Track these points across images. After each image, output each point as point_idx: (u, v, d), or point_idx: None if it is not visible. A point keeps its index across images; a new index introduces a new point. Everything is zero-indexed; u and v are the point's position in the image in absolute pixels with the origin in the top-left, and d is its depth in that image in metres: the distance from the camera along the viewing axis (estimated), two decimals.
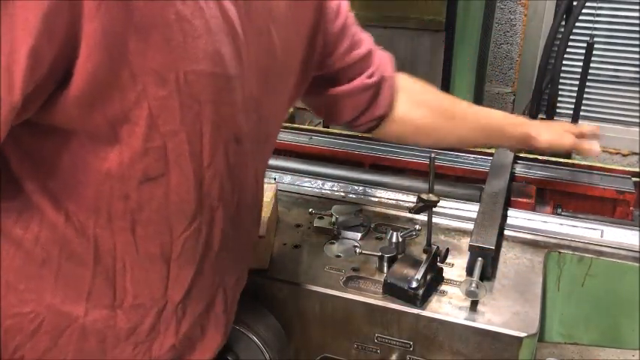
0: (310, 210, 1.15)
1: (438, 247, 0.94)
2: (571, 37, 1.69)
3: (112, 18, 0.50)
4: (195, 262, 0.69)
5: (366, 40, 1.01)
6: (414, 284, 0.88)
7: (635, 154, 2.87)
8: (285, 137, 1.51)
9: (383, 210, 1.17)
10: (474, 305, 0.90)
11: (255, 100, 0.70)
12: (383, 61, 1.04)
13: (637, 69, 2.75)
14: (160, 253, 0.66)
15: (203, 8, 0.58)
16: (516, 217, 1.13)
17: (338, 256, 1.02)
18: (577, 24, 1.71)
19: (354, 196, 1.22)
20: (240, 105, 0.66)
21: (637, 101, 2.81)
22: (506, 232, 1.08)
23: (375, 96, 1.03)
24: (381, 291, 0.93)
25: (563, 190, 1.28)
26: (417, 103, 1.09)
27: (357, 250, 1.03)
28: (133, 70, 0.54)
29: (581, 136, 1.14)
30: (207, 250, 0.70)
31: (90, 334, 0.67)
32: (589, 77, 1.74)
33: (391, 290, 0.92)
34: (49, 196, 0.61)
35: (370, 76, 1.01)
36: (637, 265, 0.99)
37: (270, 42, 0.72)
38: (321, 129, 1.63)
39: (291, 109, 2.40)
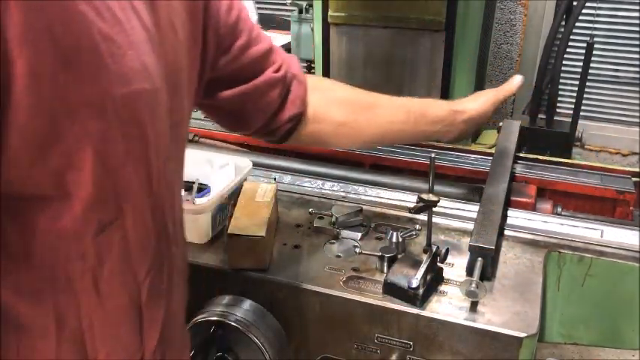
0: (310, 210, 1.15)
1: (438, 247, 0.94)
2: (571, 37, 1.69)
3: (39, 53, 0.45)
4: (163, 299, 0.65)
5: (265, 38, 0.92)
6: (414, 284, 0.88)
7: (635, 154, 2.87)
8: None
9: (383, 210, 1.17)
10: (473, 305, 0.89)
11: (168, 108, 0.63)
12: (289, 59, 0.96)
13: (637, 69, 2.75)
14: (129, 302, 0.61)
15: (122, 21, 0.53)
16: (516, 217, 1.13)
17: (338, 256, 1.02)
18: (577, 24, 1.71)
19: (354, 196, 1.22)
20: (164, 117, 0.61)
21: (637, 101, 2.81)
22: (506, 232, 1.08)
23: (285, 93, 0.94)
24: (381, 291, 0.93)
25: (563, 190, 1.28)
26: (333, 101, 1.01)
27: (357, 250, 1.03)
28: (68, 108, 0.49)
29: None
30: (171, 282, 0.66)
31: None
32: (589, 77, 1.73)
33: (391, 290, 0.92)
34: None
35: (277, 71, 0.92)
36: (637, 265, 0.99)
37: (176, 39, 0.66)
38: None
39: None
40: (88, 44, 0.49)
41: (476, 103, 1.11)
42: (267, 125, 0.96)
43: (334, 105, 1.01)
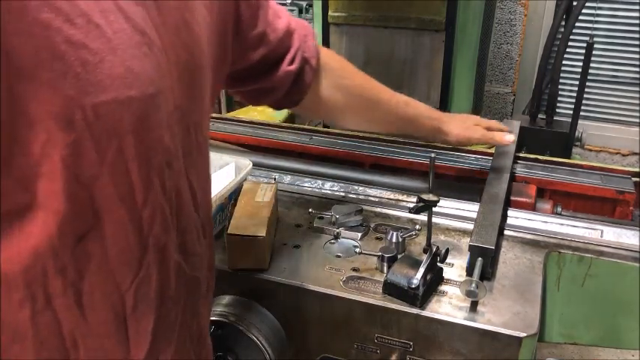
0: (310, 210, 1.15)
1: (437, 247, 0.94)
2: (571, 37, 1.69)
3: None
4: (153, 308, 0.62)
5: (281, 18, 0.91)
6: (414, 284, 0.88)
7: (635, 154, 2.88)
8: (285, 137, 1.51)
9: (383, 210, 1.17)
10: (473, 305, 0.89)
11: (180, 110, 0.61)
12: (303, 38, 0.96)
13: (637, 69, 2.75)
14: (114, 315, 0.58)
15: (101, 25, 0.50)
16: (516, 217, 1.13)
17: (338, 256, 1.02)
18: (577, 24, 1.71)
19: (354, 196, 1.22)
20: (165, 123, 0.58)
21: (637, 101, 2.81)
22: (506, 232, 1.08)
23: (296, 81, 0.97)
24: (381, 291, 0.93)
25: (563, 190, 1.28)
26: (337, 87, 1.04)
27: (357, 250, 1.03)
28: (29, 120, 0.47)
29: (489, 129, 1.22)
30: (163, 291, 0.63)
31: None
32: (589, 77, 1.73)
33: (391, 290, 0.92)
34: None
35: (292, 62, 0.94)
36: (637, 265, 0.99)
37: (190, 36, 0.63)
38: (321, 129, 1.63)
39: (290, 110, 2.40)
40: (49, 55, 0.47)
41: (460, 132, 1.18)
42: (272, 104, 1.01)
43: (338, 92, 1.04)
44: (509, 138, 1.19)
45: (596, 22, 2.72)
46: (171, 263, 0.63)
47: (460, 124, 1.19)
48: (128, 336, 0.60)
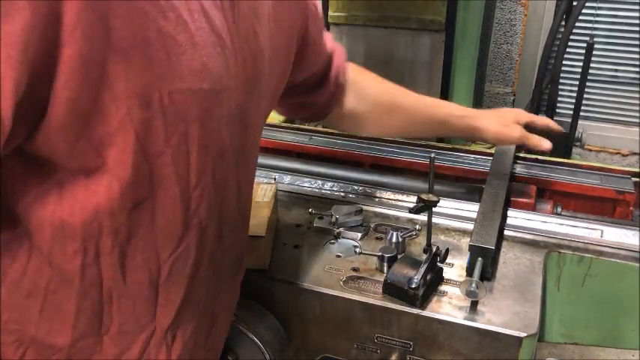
0: (310, 210, 1.15)
1: (437, 247, 0.94)
2: (571, 37, 1.69)
3: (90, 42, 0.48)
4: (184, 283, 0.67)
5: (327, 41, 1.01)
6: (414, 284, 0.88)
7: (635, 154, 2.87)
8: (285, 137, 1.51)
9: (383, 210, 1.17)
10: (473, 305, 0.89)
11: (240, 109, 0.67)
12: (339, 60, 1.05)
13: (637, 69, 2.75)
14: (149, 280, 0.64)
15: (187, 22, 0.55)
16: (516, 217, 1.13)
17: (338, 256, 1.02)
18: (577, 24, 1.71)
19: (354, 196, 1.22)
20: (225, 118, 0.63)
21: (637, 101, 2.81)
22: (506, 232, 1.08)
23: (329, 99, 1.06)
24: (381, 291, 0.93)
25: (563, 190, 1.28)
26: (361, 98, 1.11)
27: (357, 250, 1.03)
28: (114, 94, 0.51)
29: (532, 126, 1.14)
30: (196, 270, 0.68)
31: None
32: (589, 77, 1.74)
33: (391, 290, 0.92)
34: (33, 239, 0.59)
35: (332, 80, 1.03)
36: (637, 265, 0.99)
37: (257, 45, 0.69)
38: (321, 129, 1.63)
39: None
40: (142, 40, 0.51)
41: (498, 129, 1.12)
42: (301, 118, 1.10)
43: (362, 102, 1.11)
44: (546, 144, 1.11)
45: (596, 22, 2.72)
46: (207, 247, 0.68)
47: (498, 121, 1.13)
48: (157, 303, 0.65)
